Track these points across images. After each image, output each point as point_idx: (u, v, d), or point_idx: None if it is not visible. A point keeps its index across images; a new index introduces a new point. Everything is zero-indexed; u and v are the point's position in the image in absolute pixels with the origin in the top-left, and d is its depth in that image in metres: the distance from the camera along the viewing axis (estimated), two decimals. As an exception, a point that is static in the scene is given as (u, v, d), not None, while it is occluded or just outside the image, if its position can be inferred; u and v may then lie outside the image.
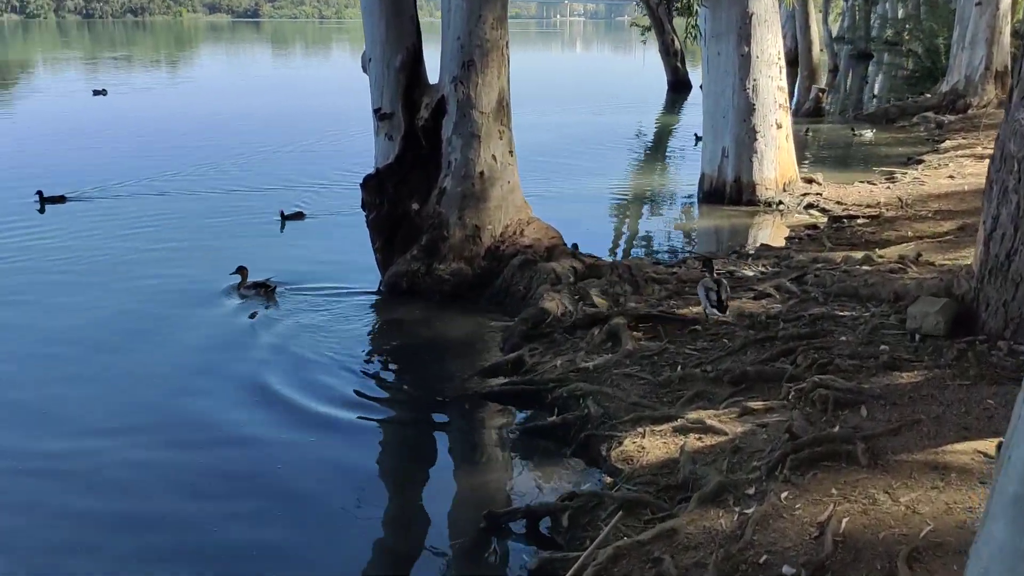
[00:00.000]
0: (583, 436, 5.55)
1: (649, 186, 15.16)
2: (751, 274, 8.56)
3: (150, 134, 19.72)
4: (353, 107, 10.02)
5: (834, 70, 35.57)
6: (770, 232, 11.53)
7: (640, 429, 5.37)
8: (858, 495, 4.17)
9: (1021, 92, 5.61)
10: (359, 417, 6.11)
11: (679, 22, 31.96)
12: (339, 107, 22.55)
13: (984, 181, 6.13)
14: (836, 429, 4.80)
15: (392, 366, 7.20)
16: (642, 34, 35.97)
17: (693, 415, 5.39)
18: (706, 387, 5.86)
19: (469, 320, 8.00)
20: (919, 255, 8.47)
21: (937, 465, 4.37)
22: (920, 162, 15.44)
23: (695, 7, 15.02)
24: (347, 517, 4.95)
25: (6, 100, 28.57)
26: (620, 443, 5.27)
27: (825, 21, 36.70)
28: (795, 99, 23.09)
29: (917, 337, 6.02)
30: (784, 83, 12.78)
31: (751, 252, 9.98)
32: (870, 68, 40.34)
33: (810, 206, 12.35)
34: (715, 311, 7.02)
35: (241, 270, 8.78)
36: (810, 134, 19.24)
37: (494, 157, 8.63)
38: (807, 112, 22.62)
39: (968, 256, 8.45)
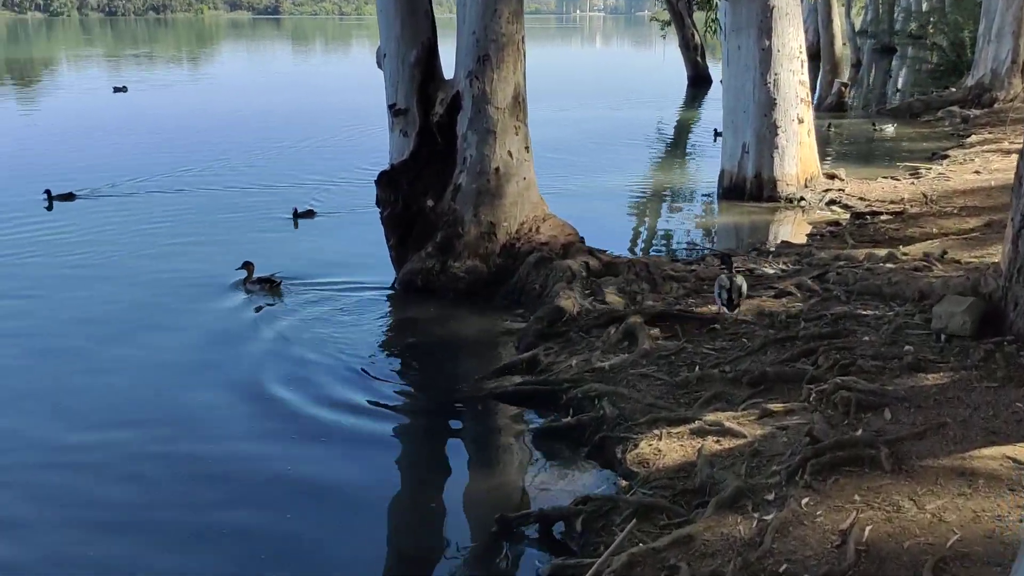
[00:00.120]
0: (598, 438, 5.43)
1: (668, 182, 14.99)
2: (771, 272, 8.40)
3: (167, 131, 19.75)
4: (371, 103, 9.91)
5: (857, 64, 35.17)
6: (791, 229, 11.35)
7: (656, 431, 5.25)
8: (882, 502, 4.04)
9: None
10: (370, 416, 6.02)
11: (699, 16, 31.82)
12: (356, 103, 22.50)
13: (1012, 176, 5.95)
14: (859, 433, 4.66)
15: (405, 364, 7.12)
16: (662, 29, 35.72)
17: (711, 417, 5.27)
18: (724, 388, 5.73)
19: (483, 318, 7.89)
20: (944, 252, 8.28)
21: (964, 471, 4.23)
22: (945, 157, 15.17)
23: (715, 1, 14.83)
24: (356, 518, 4.87)
25: (30, 97, 28.78)
26: (636, 445, 5.15)
27: (848, 14, 36.32)
28: (817, 94, 22.77)
29: (943, 337, 5.86)
30: (806, 77, 12.57)
31: (771, 249, 9.81)
32: (893, 62, 39.83)
33: (832, 202, 12.15)
34: (724, 309, 6.92)
35: (247, 265, 8.75)
36: (832, 129, 18.98)
37: (510, 153, 8.51)
38: (829, 107, 22.34)
39: (995, 254, 8.25)
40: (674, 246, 10.87)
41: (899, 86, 29.96)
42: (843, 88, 23.15)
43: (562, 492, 5.00)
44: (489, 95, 8.37)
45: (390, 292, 8.68)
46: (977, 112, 19.95)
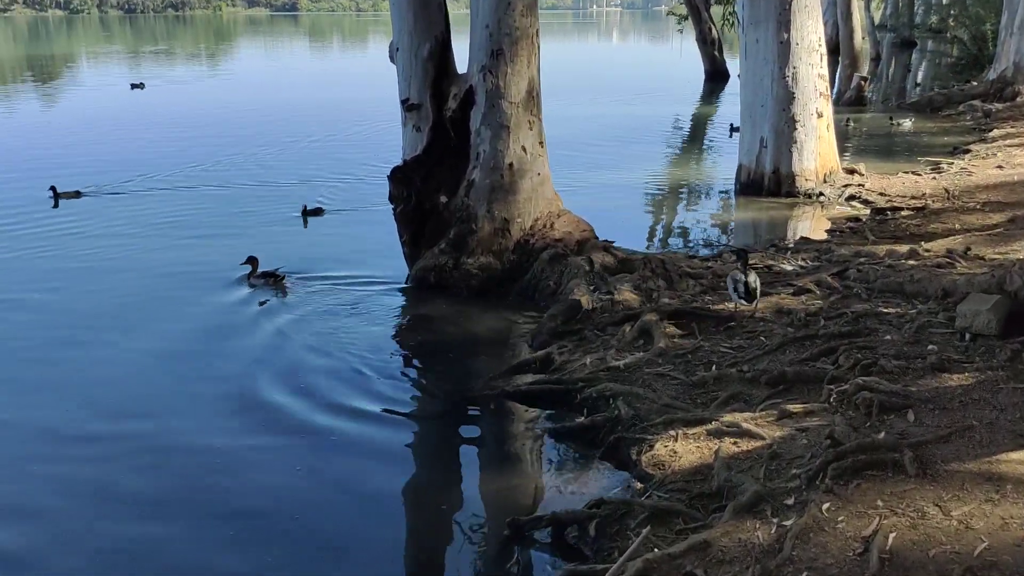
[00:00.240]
0: (613, 439, 5.31)
1: (684, 178, 14.82)
2: (790, 268, 8.25)
3: (181, 127, 19.72)
4: (388, 98, 9.83)
5: (876, 58, 34.76)
6: (810, 225, 11.18)
7: (672, 432, 5.13)
8: (906, 508, 3.91)
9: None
10: (381, 415, 5.93)
11: (716, 11, 31.54)
12: (372, 98, 22.44)
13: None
14: (881, 435, 4.52)
15: (417, 362, 7.02)
16: (679, 23, 35.47)
17: (728, 418, 5.14)
18: (742, 388, 5.60)
19: (497, 316, 7.79)
20: (968, 249, 8.10)
21: (991, 475, 4.09)
22: (967, 152, 14.92)
23: (733, -6, 14.65)
24: (364, 519, 4.78)
25: (47, 93, 28.90)
26: (651, 447, 5.03)
27: (867, 8, 35.86)
28: (836, 88, 22.49)
29: (967, 336, 5.70)
30: (825, 71, 12.38)
31: (790, 245, 9.65)
32: (913, 56, 39.37)
33: (852, 198, 11.96)
34: (742, 301, 6.78)
35: (251, 260, 8.74)
36: (851, 124, 18.73)
37: (524, 148, 8.40)
38: (848, 101, 22.07)
39: (1020, 250, 8.09)
40: (690, 242, 10.72)
41: (919, 80, 29.58)
42: (863, 82, 22.86)
43: (575, 495, 4.89)
44: (503, 90, 8.25)
45: (402, 289, 8.59)
46: (999, 106, 19.64)
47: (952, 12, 38.42)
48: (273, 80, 33.78)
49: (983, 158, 14.08)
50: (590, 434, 5.49)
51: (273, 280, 8.61)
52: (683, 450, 4.93)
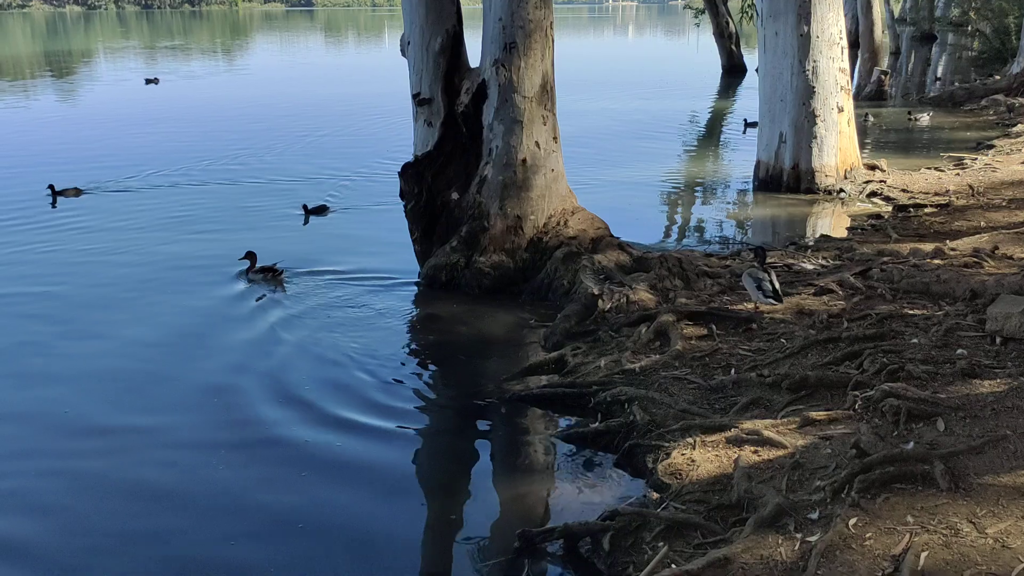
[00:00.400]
0: (628, 445, 5.13)
1: (701, 173, 14.58)
2: (810, 268, 8.02)
3: (193, 123, 19.68)
4: (400, 92, 9.66)
5: (896, 52, 34.34)
6: (830, 222, 10.93)
7: (690, 439, 4.93)
8: (938, 524, 3.70)
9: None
10: (388, 419, 5.75)
11: (734, 4, 31.19)
12: (385, 93, 22.29)
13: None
14: (910, 446, 4.31)
15: (427, 363, 6.84)
16: (695, 17, 35.12)
17: (748, 425, 4.93)
18: (762, 393, 5.39)
19: (509, 316, 7.61)
20: (995, 248, 7.85)
21: (1028, 490, 3.88)
22: (991, 147, 14.62)
23: (751, -14, 14.38)
24: (370, 529, 4.60)
25: (64, 89, 28.91)
26: (668, 454, 4.84)
27: (887, 1, 35.38)
28: (855, 82, 22.17)
29: (998, 340, 5.48)
30: (846, 64, 12.11)
31: (810, 243, 9.43)
32: (933, 50, 38.85)
33: (873, 194, 11.70)
34: (770, 300, 6.56)
35: (250, 255, 8.67)
36: (870, 119, 18.41)
37: (537, 144, 8.21)
38: (868, 96, 21.74)
39: (1051, 249, 7.83)
40: (707, 240, 10.49)
41: (938, 74, 29.14)
42: (883, 76, 22.50)
43: (589, 504, 4.71)
44: (516, 84, 8.06)
45: (413, 287, 8.42)
46: (1023, 100, 19.28)
47: (974, 5, 37.85)
48: (287, 75, 33.67)
49: (1007, 154, 13.77)
50: (604, 440, 5.31)
51: (271, 275, 8.53)
52: (701, 458, 4.74)
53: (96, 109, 22.92)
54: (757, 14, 12.60)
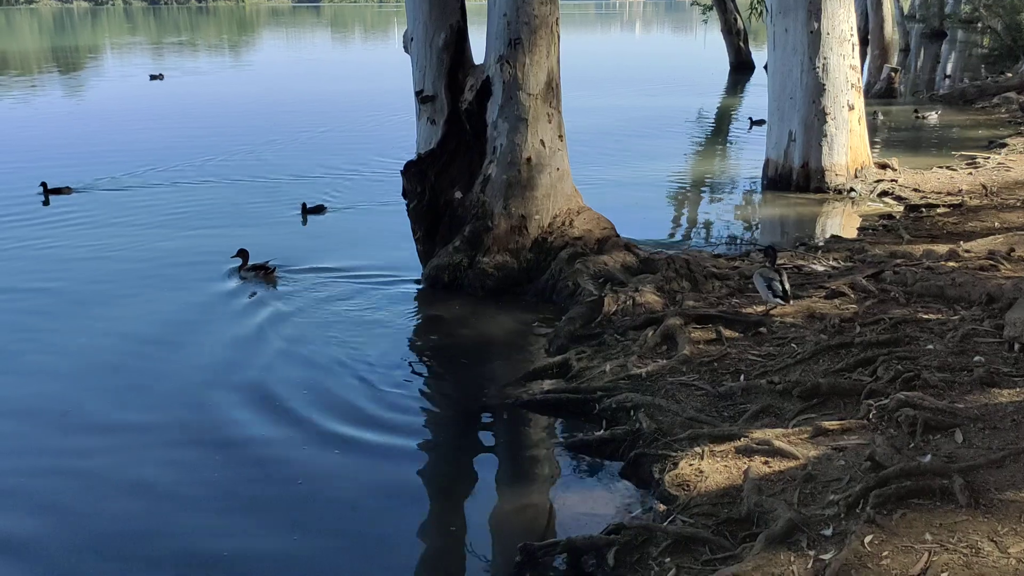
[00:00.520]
0: (633, 454, 4.97)
1: (709, 172, 14.39)
2: (821, 269, 7.84)
3: (195, 119, 19.54)
4: (404, 90, 9.50)
5: (905, 49, 34.03)
6: (840, 222, 10.75)
7: (698, 448, 4.77)
8: (957, 542, 3.54)
9: None
10: (386, 426, 5.58)
11: (742, 1, 30.94)
12: (389, 89, 22.14)
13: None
14: (927, 459, 4.14)
15: (427, 366, 6.66)
16: (703, 14, 34.88)
17: (758, 434, 4.77)
18: (772, 401, 5.23)
19: (513, 318, 7.45)
20: (1012, 250, 7.66)
21: (1052, 507, 3.71)
22: (1003, 145, 14.39)
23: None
24: (366, 542, 4.44)
25: (69, 85, 28.84)
26: (675, 464, 4.68)
27: (896, -3, 35.10)
28: (865, 79, 21.90)
29: (1016, 347, 5.30)
30: (857, 62, 11.92)
31: (820, 244, 9.25)
32: (943, 47, 38.52)
33: (884, 193, 11.51)
34: (779, 301, 6.42)
35: (242, 252, 8.60)
36: (879, 117, 18.19)
37: (542, 142, 8.05)
38: (878, 93, 21.50)
39: (1069, 252, 7.64)
40: (715, 240, 10.31)
41: (948, 72, 28.85)
42: (894, 74, 22.26)
43: (593, 516, 4.55)
44: (521, 81, 7.90)
45: (413, 287, 8.27)
46: (1036, 98, 19.05)
47: (985, 1, 37.49)
48: (292, 71, 33.54)
49: (1021, 152, 13.57)
50: (609, 448, 5.16)
51: (263, 273, 8.43)
52: (709, 469, 4.58)
53: (99, 105, 22.80)
54: (767, 10, 12.40)
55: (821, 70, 11.57)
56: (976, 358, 5.25)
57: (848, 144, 11.87)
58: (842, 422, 4.76)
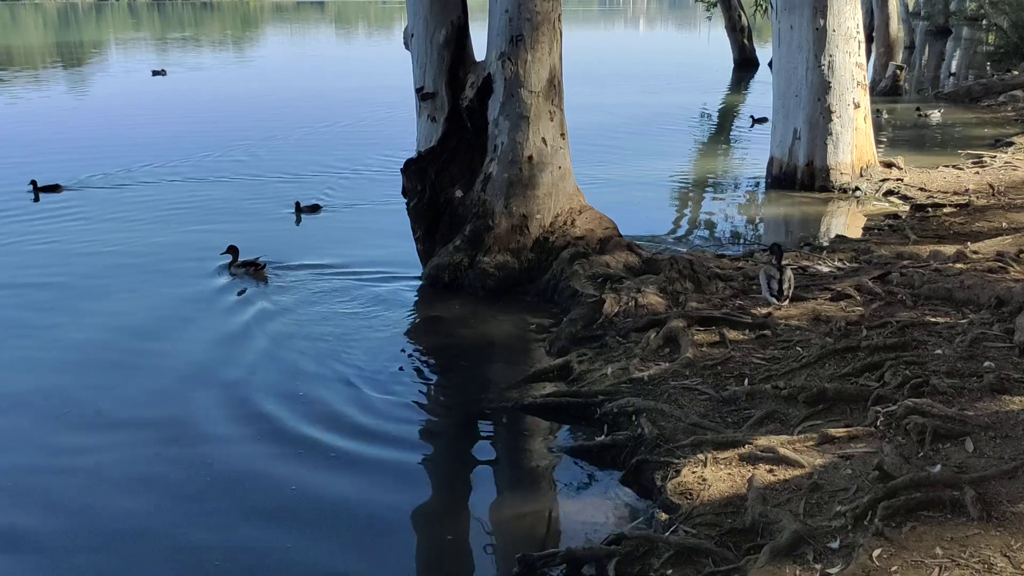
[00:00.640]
0: (635, 461, 4.86)
1: (712, 171, 14.26)
2: (826, 270, 7.73)
3: (195, 115, 19.41)
4: (404, 87, 9.37)
5: (910, 46, 33.84)
6: (845, 222, 10.63)
7: (701, 456, 4.66)
8: (969, 557, 3.43)
9: None
10: (381, 431, 5.47)
11: (747, -3, 30.80)
12: (390, 87, 22.02)
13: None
14: (937, 468, 4.03)
15: (425, 369, 6.54)
16: (707, 10, 34.72)
17: (763, 441, 4.66)
18: (777, 406, 5.12)
19: (514, 318, 7.34)
20: (1021, 251, 7.54)
21: (1067, 520, 3.60)
22: (1010, 144, 14.27)
23: (765, -21, 14.05)
24: (360, 551, 4.34)
25: (71, 80, 28.69)
26: (677, 472, 4.57)
27: (902, -6, 34.87)
28: (869, 77, 21.75)
29: (1028, 352, 5.18)
30: (863, 59, 11.79)
31: (825, 244, 9.14)
32: (948, 44, 38.32)
33: (890, 193, 11.39)
34: (773, 299, 6.35)
35: (232, 249, 8.53)
36: (884, 115, 18.05)
37: (544, 140, 7.93)
38: (883, 91, 21.37)
39: (1079, 254, 7.52)
40: (719, 239, 10.19)
41: (952, 69, 28.68)
42: (899, 71, 22.11)
43: (593, 525, 4.45)
44: (522, 78, 7.79)
45: (413, 287, 8.17)
46: (1043, 96, 18.91)
47: (991, -1, 37.28)
48: (295, 67, 33.40)
49: (1028, 151, 13.43)
50: (610, 455, 5.05)
51: (253, 269, 8.35)
52: (713, 477, 4.47)
53: (100, 101, 22.72)
54: (771, 7, 12.28)
55: (827, 67, 11.45)
56: (986, 363, 5.13)
57: (853, 142, 11.75)
58: (849, 429, 4.64)
